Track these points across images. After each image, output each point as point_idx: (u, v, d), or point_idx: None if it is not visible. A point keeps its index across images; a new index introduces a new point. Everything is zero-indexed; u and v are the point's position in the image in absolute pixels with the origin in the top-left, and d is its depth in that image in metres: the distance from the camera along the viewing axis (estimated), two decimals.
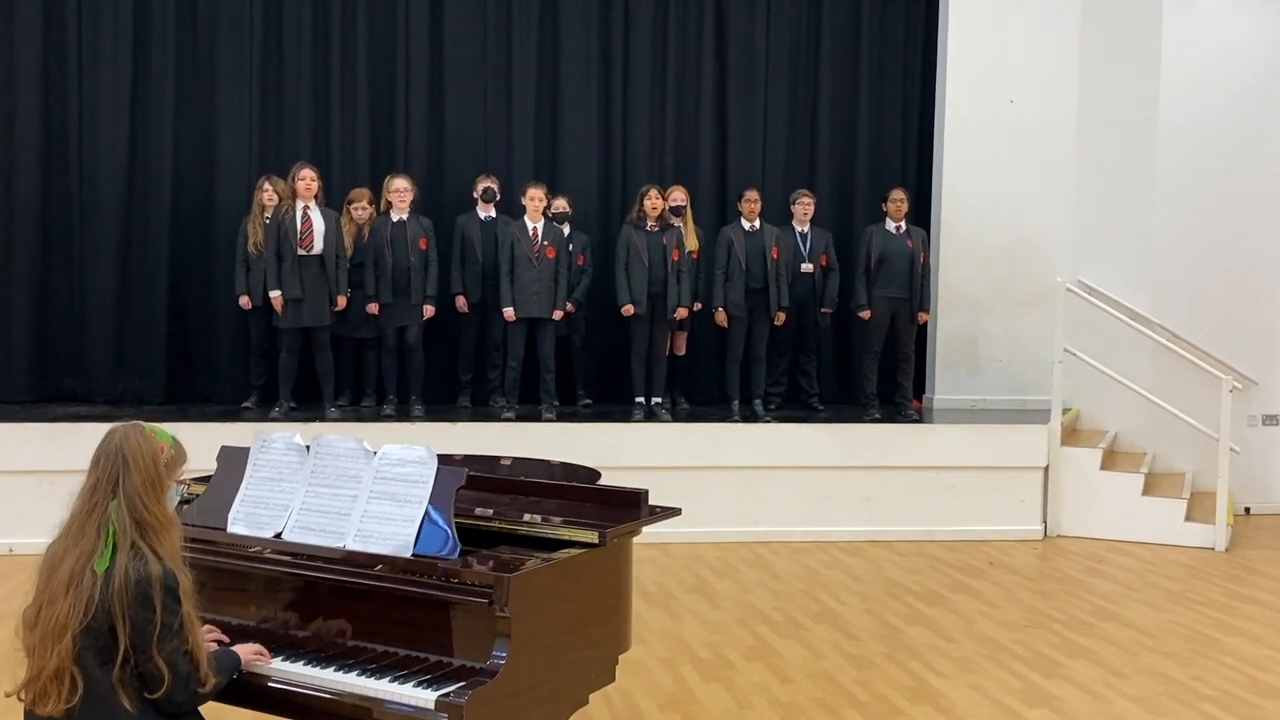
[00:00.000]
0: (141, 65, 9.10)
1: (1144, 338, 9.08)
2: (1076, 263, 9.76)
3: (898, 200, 9.03)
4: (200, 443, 3.90)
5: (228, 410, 8.68)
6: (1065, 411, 8.91)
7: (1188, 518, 8.51)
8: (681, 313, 8.69)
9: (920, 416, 9.22)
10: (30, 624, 2.85)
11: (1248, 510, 9.54)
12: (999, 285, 9.89)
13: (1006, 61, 9.83)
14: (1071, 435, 9.10)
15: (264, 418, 8.18)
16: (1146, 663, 5.81)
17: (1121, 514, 8.58)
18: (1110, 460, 8.93)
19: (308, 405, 8.51)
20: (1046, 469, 8.63)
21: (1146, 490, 8.65)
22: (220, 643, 3.24)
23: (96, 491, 2.86)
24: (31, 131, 8.94)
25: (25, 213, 8.92)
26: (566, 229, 8.93)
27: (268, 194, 8.50)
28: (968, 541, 8.38)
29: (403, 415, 8.44)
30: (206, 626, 3.16)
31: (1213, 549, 8.34)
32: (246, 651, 3.18)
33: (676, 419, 8.69)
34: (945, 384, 9.94)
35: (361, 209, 8.66)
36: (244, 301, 8.60)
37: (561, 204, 8.97)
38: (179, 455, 3.04)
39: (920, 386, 9.86)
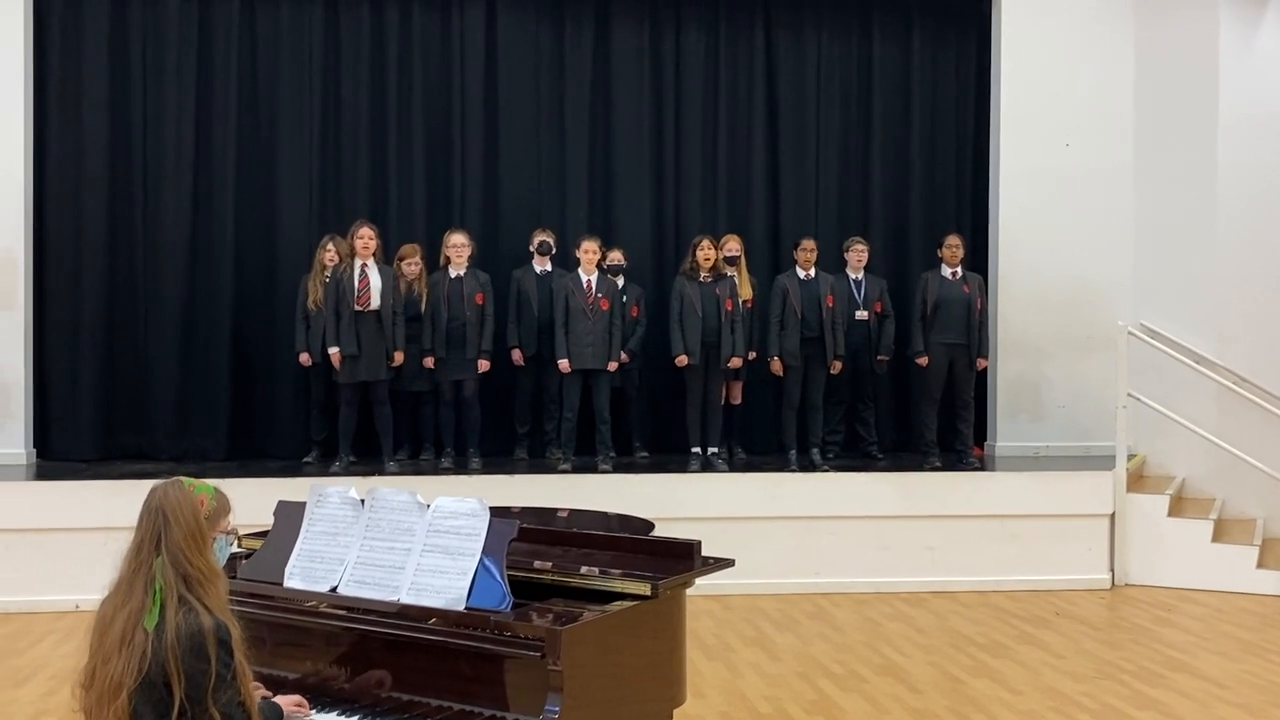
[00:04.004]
0: (203, 128, 9.31)
1: (1209, 381, 8.92)
2: (1138, 306, 9.64)
3: (953, 246, 8.99)
4: (262, 498, 3.96)
5: (289, 466, 8.77)
6: (1130, 457, 8.75)
7: (1259, 565, 8.29)
8: (735, 362, 8.68)
9: (982, 464, 9.13)
10: (85, 685, 2.88)
11: None
12: (1059, 330, 9.77)
13: (1061, 104, 9.77)
14: (1137, 481, 8.94)
15: (325, 472, 8.26)
16: (1219, 714, 5.65)
17: (1191, 561, 8.39)
18: (1178, 506, 8.75)
19: (367, 459, 8.59)
20: (1112, 516, 8.47)
21: (1216, 537, 8.45)
22: (263, 696, 3.25)
23: (141, 551, 2.90)
24: (96, 195, 9.15)
25: (91, 274, 9.12)
26: (621, 281, 8.98)
27: (329, 253, 8.62)
28: (1033, 591, 8.23)
29: (460, 468, 8.48)
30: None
31: None
32: (288, 703, 3.20)
33: (733, 469, 8.66)
34: (1007, 431, 9.81)
35: (413, 264, 8.76)
36: (304, 359, 8.72)
37: (616, 256, 9.01)
38: (221, 506, 3.06)
39: (981, 433, 9.74)
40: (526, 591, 3.44)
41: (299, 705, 3.24)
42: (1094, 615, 7.69)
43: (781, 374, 8.88)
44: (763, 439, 9.59)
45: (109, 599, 2.92)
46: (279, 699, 3.21)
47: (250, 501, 3.63)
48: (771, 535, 8.09)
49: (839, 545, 8.23)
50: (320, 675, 3.43)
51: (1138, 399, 8.69)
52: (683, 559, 3.70)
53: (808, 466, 8.69)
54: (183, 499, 2.94)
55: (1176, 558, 8.42)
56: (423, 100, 9.63)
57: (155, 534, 2.89)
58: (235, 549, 3.61)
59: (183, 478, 3.03)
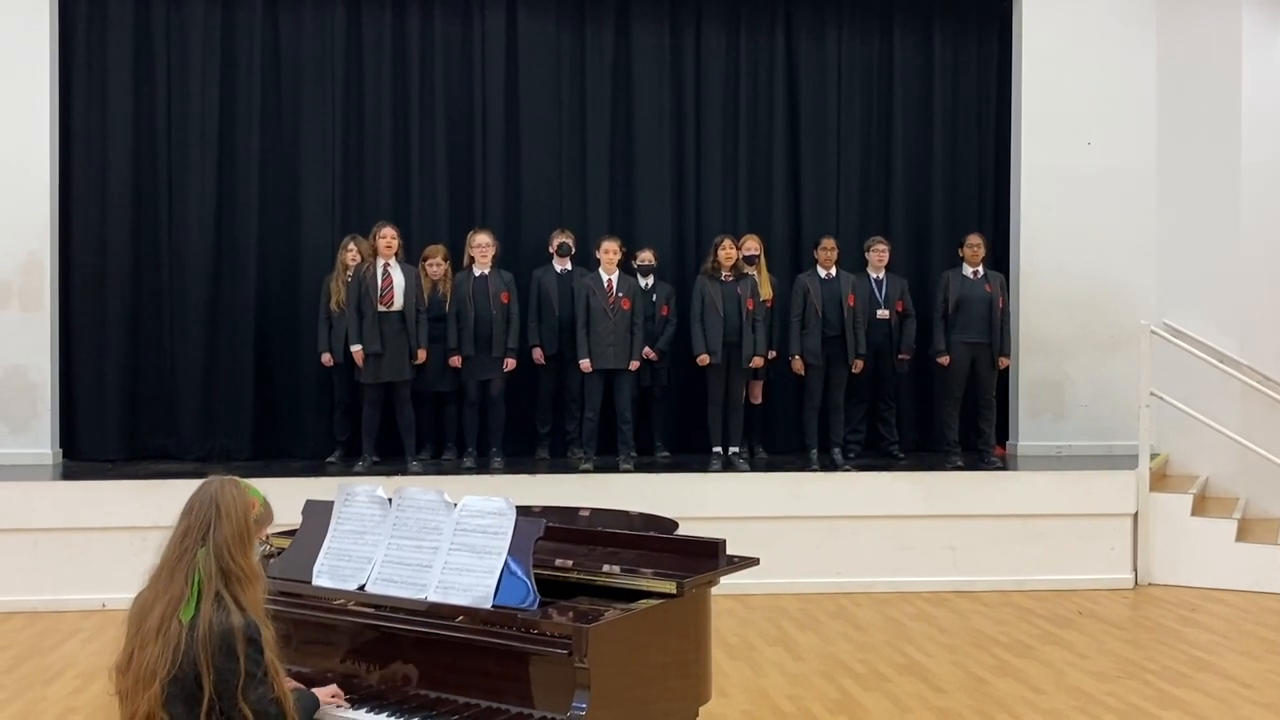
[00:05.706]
0: (227, 130, 9.37)
1: (1232, 379, 8.88)
2: (1161, 304, 9.61)
3: (974, 245, 8.98)
4: (286, 497, 3.98)
5: (313, 465, 8.82)
6: (1153, 456, 8.73)
7: None
8: (757, 362, 8.69)
9: (1004, 463, 9.10)
10: (122, 669, 2.91)
11: None
12: (1082, 329, 9.75)
13: (1083, 103, 9.74)
14: (1161, 481, 8.91)
15: (348, 472, 8.30)
16: (1244, 714, 5.63)
17: (1214, 561, 8.34)
18: (1201, 506, 8.71)
19: (390, 459, 8.62)
20: (1135, 516, 8.44)
21: (1240, 536, 8.41)
22: (295, 686, 3.28)
23: (187, 538, 2.93)
24: (122, 197, 9.21)
25: (116, 275, 9.18)
26: (650, 280, 9.00)
27: (351, 253, 8.67)
28: (1056, 591, 8.20)
29: (482, 468, 8.52)
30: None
31: None
32: (324, 694, 3.23)
33: (754, 468, 8.66)
34: (1029, 430, 9.79)
35: (436, 265, 8.79)
36: (326, 359, 8.76)
37: (647, 256, 9.03)
38: (267, 514, 3.12)
39: (1003, 433, 9.73)
40: (552, 590, 3.46)
41: (335, 696, 3.27)
42: (1117, 615, 7.67)
43: (802, 373, 8.89)
44: (784, 438, 9.59)
45: (149, 585, 2.95)
46: (316, 690, 3.23)
47: (274, 501, 3.66)
48: (793, 535, 8.09)
49: (861, 545, 8.23)
50: (348, 672, 3.46)
51: (1160, 398, 8.65)
52: (708, 558, 3.72)
53: (829, 466, 8.69)
54: (238, 496, 2.98)
55: (1200, 557, 8.38)
56: (444, 101, 9.66)
57: (205, 524, 2.92)
58: (268, 552, 3.66)
59: (237, 477, 3.07)
